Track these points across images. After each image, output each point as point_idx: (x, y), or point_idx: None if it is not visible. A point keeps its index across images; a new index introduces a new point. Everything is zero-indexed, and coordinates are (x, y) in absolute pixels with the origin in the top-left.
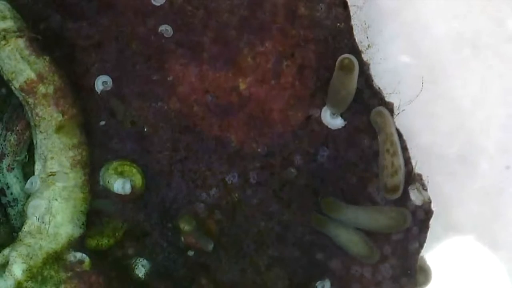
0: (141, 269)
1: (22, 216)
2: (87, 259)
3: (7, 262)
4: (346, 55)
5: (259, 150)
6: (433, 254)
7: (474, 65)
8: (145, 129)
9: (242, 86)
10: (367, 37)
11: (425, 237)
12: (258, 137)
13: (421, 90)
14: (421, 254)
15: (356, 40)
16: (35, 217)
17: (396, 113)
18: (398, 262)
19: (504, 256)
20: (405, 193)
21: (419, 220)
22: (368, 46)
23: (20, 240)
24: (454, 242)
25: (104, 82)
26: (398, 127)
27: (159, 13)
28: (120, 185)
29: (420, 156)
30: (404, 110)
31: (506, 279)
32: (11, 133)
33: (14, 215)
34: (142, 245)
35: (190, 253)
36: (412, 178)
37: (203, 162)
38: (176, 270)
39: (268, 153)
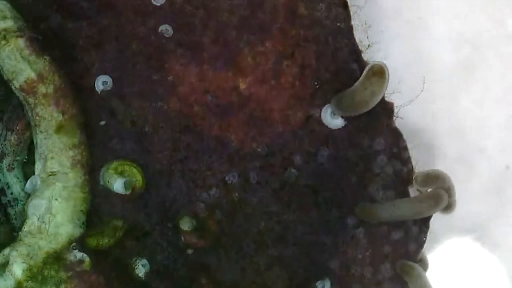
0: (141, 269)
1: (23, 215)
2: (87, 259)
3: (8, 262)
4: (378, 62)
5: (259, 150)
6: (433, 254)
7: (474, 65)
8: (147, 129)
9: (242, 86)
10: (367, 37)
11: (425, 237)
12: (258, 137)
13: (421, 91)
14: None
15: (356, 40)
16: (35, 217)
17: (396, 113)
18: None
19: (503, 256)
20: (406, 193)
21: (419, 220)
22: (368, 46)
23: (20, 239)
24: (454, 242)
25: (104, 82)
26: (398, 127)
27: (159, 13)
28: (120, 185)
29: (420, 156)
30: (404, 110)
31: (505, 279)
32: (11, 133)
33: (14, 214)
34: (142, 245)
35: (190, 251)
36: (412, 178)
37: (203, 162)
38: (176, 270)
39: (268, 153)
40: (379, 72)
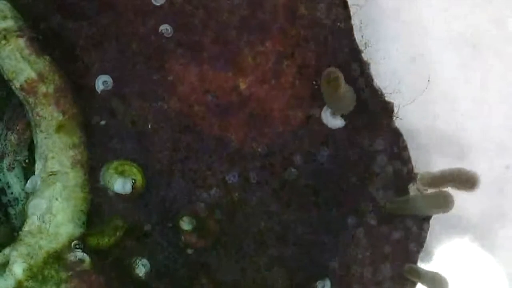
0: (141, 268)
1: (23, 215)
2: (87, 259)
3: (8, 262)
4: (331, 69)
5: (259, 149)
6: (433, 254)
7: (474, 65)
8: (149, 126)
9: (242, 86)
10: (362, 36)
11: (425, 237)
12: (258, 137)
13: (424, 90)
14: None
15: (356, 40)
16: (35, 217)
17: (396, 113)
18: (399, 262)
19: (503, 256)
20: (405, 193)
21: (420, 220)
22: (366, 44)
23: (21, 239)
24: (454, 242)
25: (104, 82)
26: (398, 127)
27: (159, 13)
28: (120, 185)
29: (420, 156)
30: (404, 110)
31: (505, 280)
32: (11, 133)
33: (14, 214)
34: (142, 245)
35: (190, 251)
36: (412, 178)
37: (203, 162)
38: (176, 270)
39: (268, 153)
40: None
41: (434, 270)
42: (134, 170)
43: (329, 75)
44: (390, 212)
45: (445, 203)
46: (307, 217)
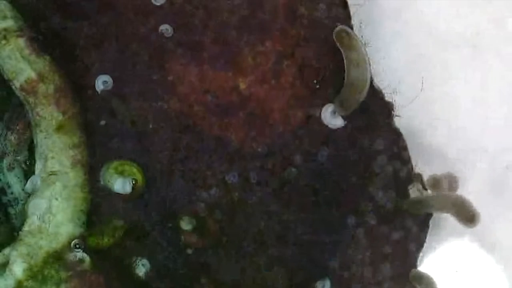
0: (141, 268)
1: (23, 215)
2: (87, 259)
3: (8, 261)
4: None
5: (259, 149)
6: (433, 254)
7: (474, 65)
8: (147, 128)
9: (242, 86)
10: (362, 36)
11: (425, 237)
12: (258, 137)
13: (421, 90)
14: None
15: None
16: (35, 216)
17: (396, 113)
18: (398, 261)
19: (503, 256)
20: (406, 193)
21: (419, 220)
22: (366, 44)
23: (21, 239)
24: (453, 242)
25: (104, 82)
26: (398, 127)
27: (159, 13)
28: (120, 185)
29: (420, 156)
30: (404, 110)
31: (504, 280)
32: (11, 133)
33: (14, 214)
34: (142, 245)
35: (190, 251)
36: (412, 178)
37: (203, 162)
38: (176, 270)
39: (268, 153)
40: (345, 34)
41: (435, 271)
42: (134, 170)
43: (340, 33)
44: (409, 210)
45: (470, 215)
46: (307, 217)
